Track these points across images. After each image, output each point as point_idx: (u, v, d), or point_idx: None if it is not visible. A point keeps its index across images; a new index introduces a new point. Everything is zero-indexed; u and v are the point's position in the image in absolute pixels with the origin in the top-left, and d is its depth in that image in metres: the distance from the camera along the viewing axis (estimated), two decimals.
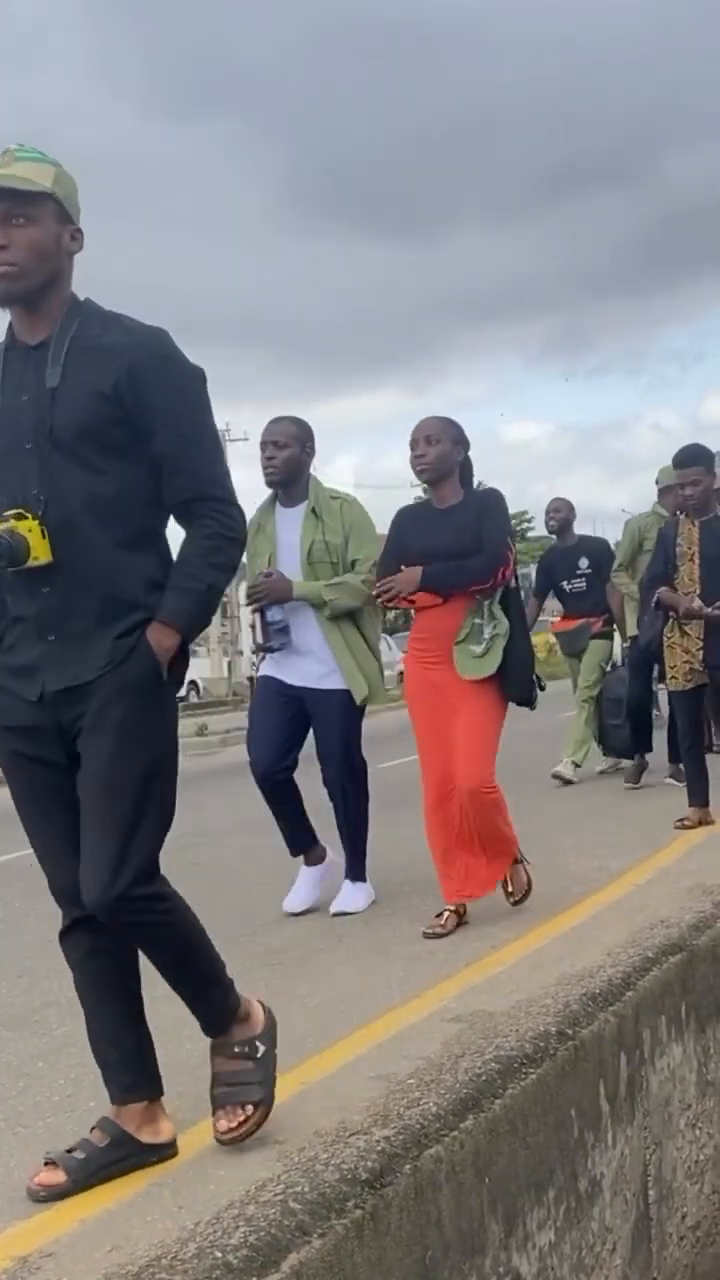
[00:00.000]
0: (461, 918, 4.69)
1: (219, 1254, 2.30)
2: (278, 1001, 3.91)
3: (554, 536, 9.06)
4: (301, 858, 5.29)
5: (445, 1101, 2.96)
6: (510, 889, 4.89)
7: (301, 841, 5.22)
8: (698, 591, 6.22)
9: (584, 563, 8.66)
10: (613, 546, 8.95)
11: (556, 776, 8.37)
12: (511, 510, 5.30)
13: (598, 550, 8.85)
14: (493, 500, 4.78)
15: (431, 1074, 3.13)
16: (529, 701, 4.75)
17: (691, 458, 6.34)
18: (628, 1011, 3.76)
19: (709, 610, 6.16)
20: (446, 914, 4.66)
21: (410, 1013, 3.68)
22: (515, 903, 4.88)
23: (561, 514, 8.85)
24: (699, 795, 6.43)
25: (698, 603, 6.19)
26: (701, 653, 6.24)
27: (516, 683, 4.68)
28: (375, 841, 5.38)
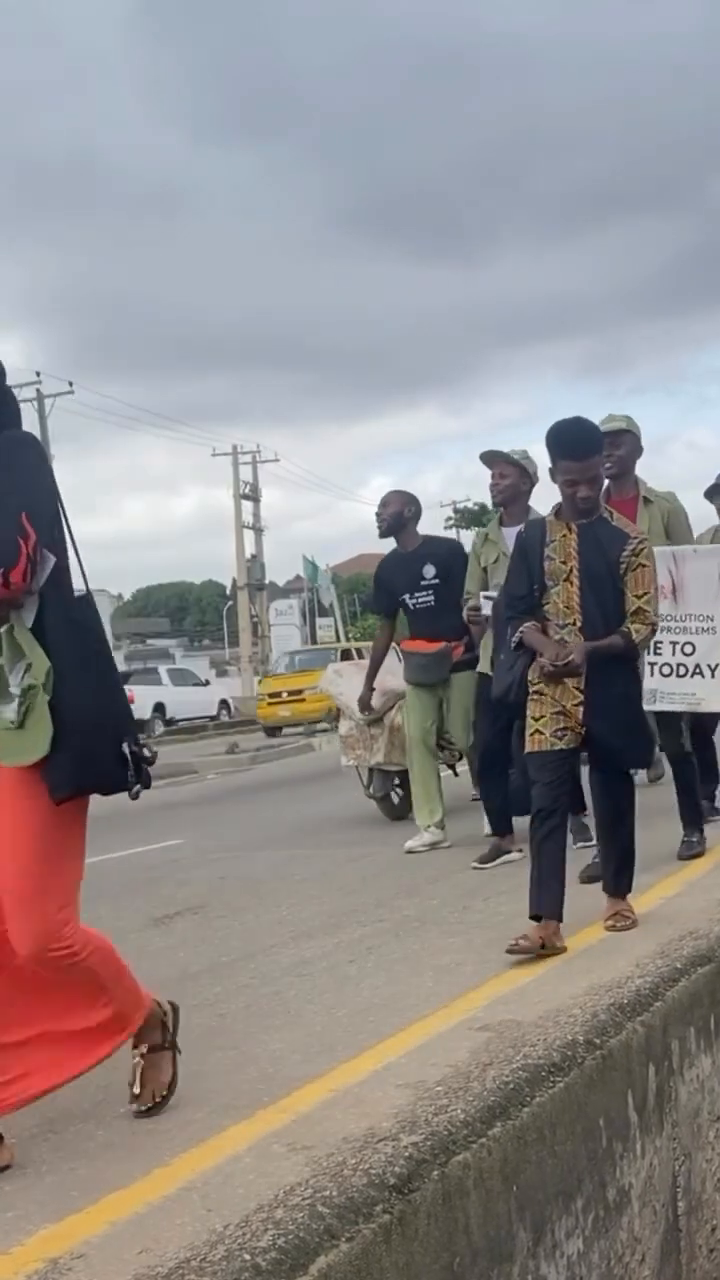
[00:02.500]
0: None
1: (247, 1256, 2.32)
2: (307, 1011, 3.96)
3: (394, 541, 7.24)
4: None
5: (473, 1109, 2.97)
6: (136, 1088, 3.15)
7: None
8: (576, 624, 4.58)
9: (429, 571, 7.03)
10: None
11: (411, 853, 6.89)
12: None
13: (447, 554, 7.15)
14: None
15: (459, 1082, 3.14)
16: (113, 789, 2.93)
17: (585, 442, 4.66)
18: (656, 1022, 3.76)
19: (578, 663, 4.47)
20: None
21: (438, 1022, 3.70)
22: (142, 1112, 3.13)
23: (391, 508, 7.08)
24: (549, 904, 4.42)
25: (575, 656, 4.46)
26: (581, 709, 4.53)
27: (73, 762, 2.82)
28: (404, 857, 5.41)
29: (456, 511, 64.22)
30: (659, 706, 5.85)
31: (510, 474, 6.53)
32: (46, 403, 37.10)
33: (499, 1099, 3.04)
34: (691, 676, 5.92)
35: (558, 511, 4.73)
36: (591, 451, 4.63)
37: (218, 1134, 2.94)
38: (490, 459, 6.60)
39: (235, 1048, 3.64)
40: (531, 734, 4.59)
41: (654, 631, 4.73)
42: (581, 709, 4.52)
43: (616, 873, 4.80)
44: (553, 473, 4.70)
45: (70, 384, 38.20)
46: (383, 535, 7.23)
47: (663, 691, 5.93)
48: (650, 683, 5.81)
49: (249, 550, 48.51)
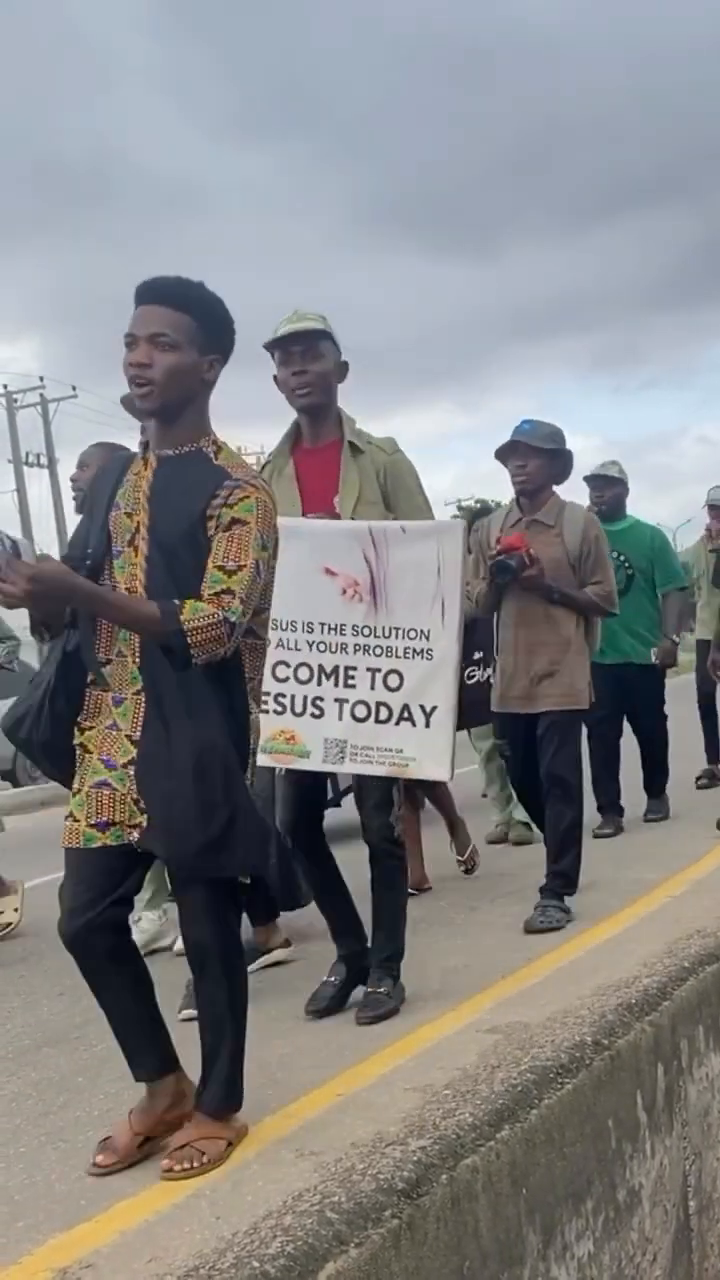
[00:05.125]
0: None
1: (257, 1264, 2.32)
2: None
3: None
4: None
5: (481, 1112, 2.97)
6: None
7: None
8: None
9: None
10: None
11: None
12: None
13: None
14: None
15: (467, 1085, 3.14)
16: None
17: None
18: (664, 1021, 3.76)
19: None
20: None
21: (446, 1025, 3.69)
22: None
23: None
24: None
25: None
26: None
27: None
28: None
29: (461, 509, 64.03)
30: (350, 767, 3.93)
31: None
32: (50, 407, 37.05)
33: (507, 1101, 3.05)
34: (397, 723, 3.85)
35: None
36: (160, 299, 2.83)
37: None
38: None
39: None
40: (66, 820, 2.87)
41: (229, 636, 2.71)
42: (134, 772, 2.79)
43: (217, 1080, 2.89)
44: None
45: (74, 388, 38.12)
46: None
47: (354, 745, 3.88)
48: (337, 729, 3.90)
49: None
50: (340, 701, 3.91)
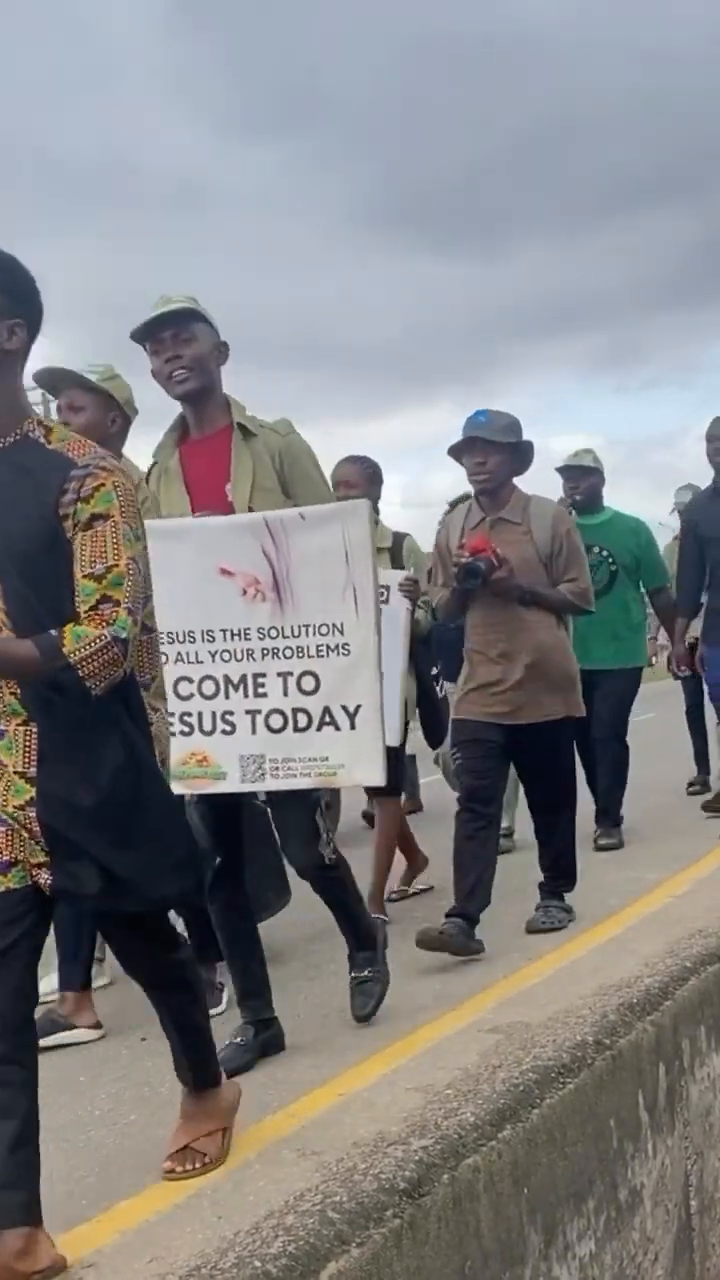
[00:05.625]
0: None
1: (258, 1264, 2.32)
2: (317, 1014, 3.95)
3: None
4: None
5: (483, 1112, 2.97)
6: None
7: None
8: None
9: None
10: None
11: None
12: None
13: None
14: None
15: (469, 1085, 3.14)
16: None
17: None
18: (666, 1021, 3.75)
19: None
20: None
21: (448, 1025, 3.69)
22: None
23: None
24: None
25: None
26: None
27: None
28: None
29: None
30: (272, 783, 3.54)
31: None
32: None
33: (509, 1101, 3.04)
34: (319, 728, 3.50)
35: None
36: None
37: (236, 1134, 2.94)
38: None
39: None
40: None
41: (124, 655, 2.43)
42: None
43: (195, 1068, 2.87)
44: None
45: None
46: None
47: (273, 759, 3.50)
48: (253, 744, 3.53)
49: None
50: (252, 713, 3.52)
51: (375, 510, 5.08)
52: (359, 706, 3.48)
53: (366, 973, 3.80)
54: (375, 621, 3.49)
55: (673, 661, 7.06)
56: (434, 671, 5.61)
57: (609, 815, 6.48)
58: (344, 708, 3.48)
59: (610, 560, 6.53)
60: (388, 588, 4.85)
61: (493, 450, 4.71)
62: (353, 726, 3.48)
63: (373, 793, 5.45)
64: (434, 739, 5.84)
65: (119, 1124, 3.19)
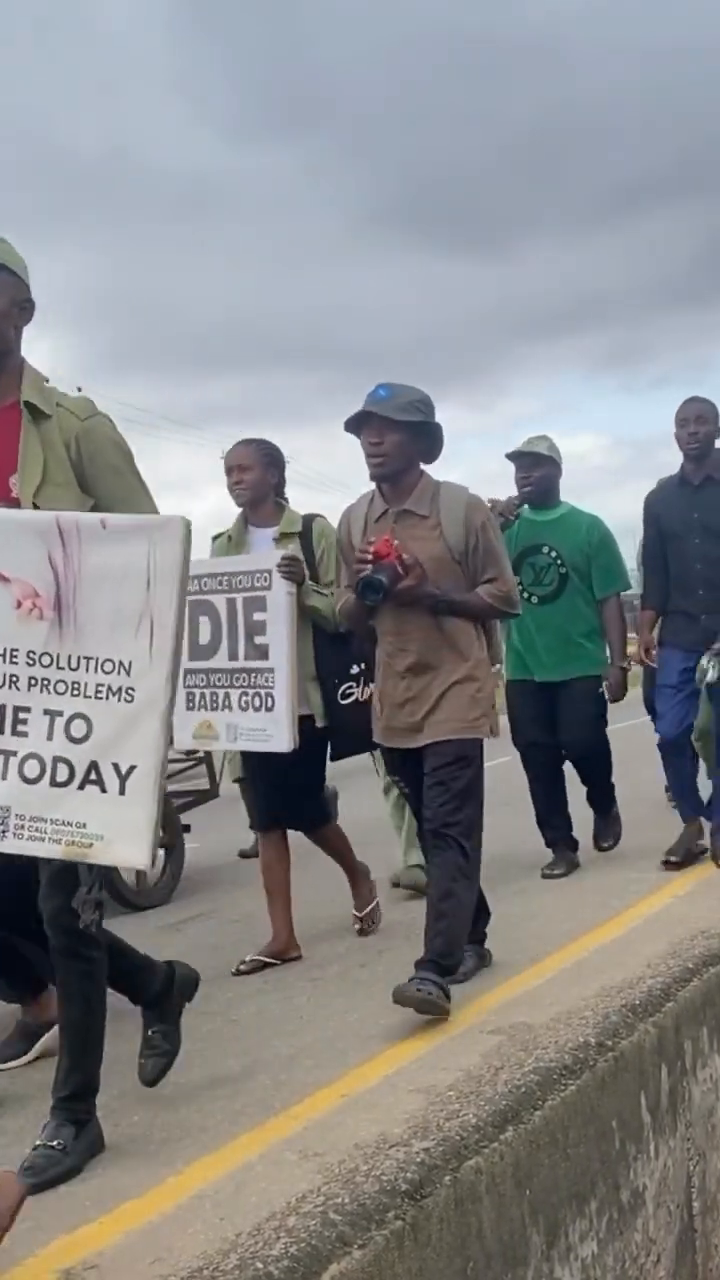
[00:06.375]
0: None
1: (260, 1265, 2.33)
2: (319, 1015, 3.96)
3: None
4: None
5: (485, 1113, 2.98)
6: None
7: None
8: None
9: None
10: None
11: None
12: None
13: None
14: None
15: (471, 1086, 3.14)
16: None
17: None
18: (668, 1022, 3.76)
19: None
20: None
21: (450, 1026, 3.70)
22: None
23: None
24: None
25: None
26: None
27: None
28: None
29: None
30: (10, 844, 2.89)
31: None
32: None
33: (511, 1103, 3.05)
34: (80, 786, 2.84)
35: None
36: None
37: (229, 1141, 2.95)
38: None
39: (247, 1054, 3.64)
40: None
41: None
42: None
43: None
44: None
45: (79, 389, 38.12)
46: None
47: (19, 814, 2.87)
48: (0, 792, 2.91)
49: None
50: (6, 754, 2.89)
51: (281, 496, 4.94)
52: (133, 768, 2.82)
53: (57, 1143, 2.94)
54: (171, 668, 2.84)
55: (641, 649, 6.10)
56: (354, 671, 4.90)
57: (606, 816, 6.25)
58: (115, 766, 2.83)
59: (559, 562, 5.85)
60: (269, 571, 4.61)
61: (389, 429, 4.04)
62: (121, 791, 2.82)
63: (305, 831, 5.03)
64: (337, 751, 5.06)
65: (123, 1123, 3.19)
